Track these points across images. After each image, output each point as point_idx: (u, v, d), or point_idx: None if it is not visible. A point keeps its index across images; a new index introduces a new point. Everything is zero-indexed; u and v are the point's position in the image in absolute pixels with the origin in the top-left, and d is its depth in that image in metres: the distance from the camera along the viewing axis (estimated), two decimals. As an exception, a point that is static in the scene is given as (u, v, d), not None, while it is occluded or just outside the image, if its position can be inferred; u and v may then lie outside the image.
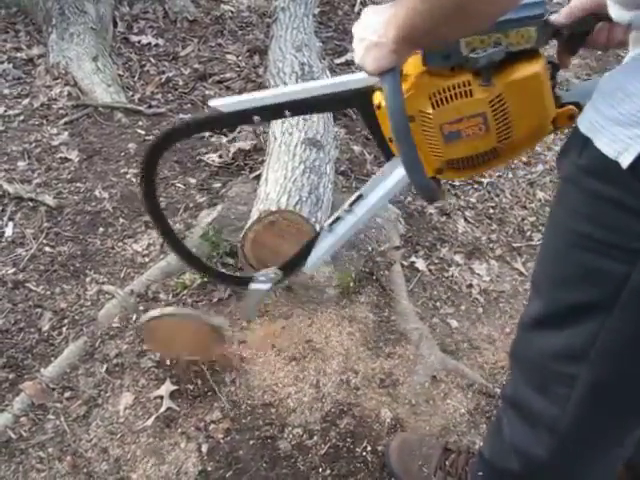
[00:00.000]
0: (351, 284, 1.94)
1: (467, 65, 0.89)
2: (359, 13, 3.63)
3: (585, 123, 0.83)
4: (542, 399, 1.01)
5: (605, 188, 0.82)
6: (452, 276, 2.08)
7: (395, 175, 1.06)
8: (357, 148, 2.48)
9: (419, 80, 0.93)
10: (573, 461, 1.03)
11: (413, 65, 0.93)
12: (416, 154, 0.87)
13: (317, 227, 1.70)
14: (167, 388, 1.69)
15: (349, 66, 3.08)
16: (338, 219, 1.15)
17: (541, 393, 1.01)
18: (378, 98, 0.99)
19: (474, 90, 0.90)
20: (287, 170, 1.81)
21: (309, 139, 1.93)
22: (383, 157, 1.08)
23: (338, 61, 3.10)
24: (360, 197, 1.11)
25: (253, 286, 1.33)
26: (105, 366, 1.79)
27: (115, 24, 3.33)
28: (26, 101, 2.80)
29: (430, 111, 0.92)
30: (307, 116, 2.07)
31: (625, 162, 0.77)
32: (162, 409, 1.65)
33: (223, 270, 1.34)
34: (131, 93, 2.89)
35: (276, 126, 2.12)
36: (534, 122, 0.94)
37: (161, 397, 1.68)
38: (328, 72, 2.60)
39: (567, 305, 0.92)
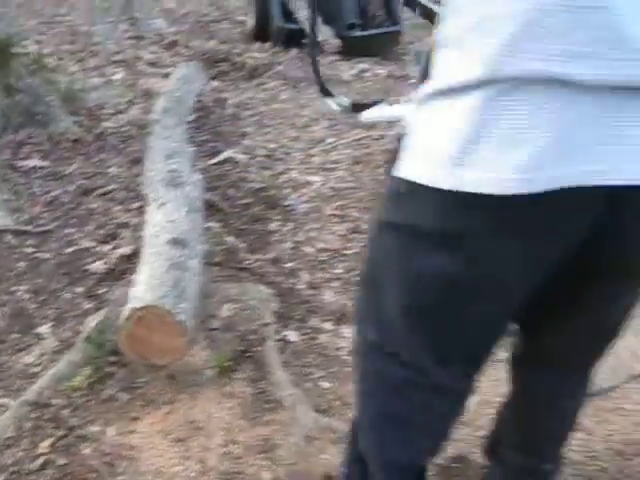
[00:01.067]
0: (228, 363, 2.13)
1: None
2: (231, 115, 3.97)
3: None
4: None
5: None
6: (322, 343, 2.30)
7: None
8: (230, 239, 2.73)
9: None
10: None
11: None
12: None
13: (182, 317, 1.90)
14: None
15: (223, 164, 3.37)
16: None
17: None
18: None
19: None
20: (153, 269, 2.02)
21: (174, 238, 2.15)
22: None
23: (212, 162, 3.38)
24: None
25: (329, 100, 1.71)
26: (2, 476, 1.90)
27: (1, 152, 3.53)
28: None
29: None
30: (172, 218, 2.31)
31: None
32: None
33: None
34: (18, 215, 3.07)
35: (147, 231, 2.34)
36: None
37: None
38: (199, 174, 2.86)
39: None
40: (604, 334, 1.30)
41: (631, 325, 2.66)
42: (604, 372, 2.30)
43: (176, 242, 2.14)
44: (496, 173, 0.93)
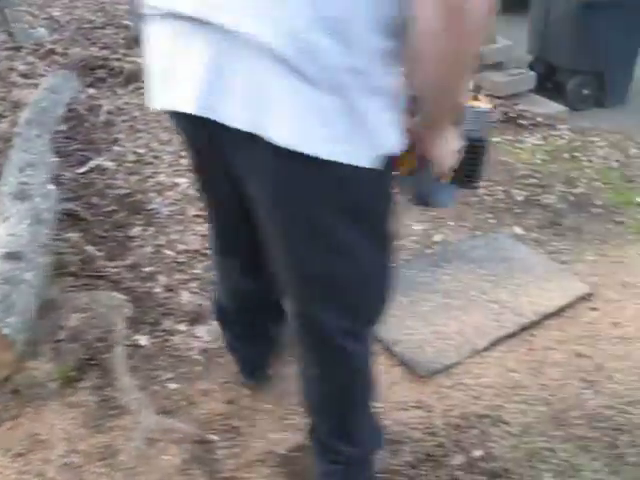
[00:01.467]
0: (72, 373, 2.13)
1: None
2: (104, 122, 3.92)
3: None
4: None
5: None
6: (174, 344, 2.31)
7: None
8: (89, 248, 2.71)
9: None
10: None
11: None
12: None
13: (7, 331, 1.89)
14: None
15: (91, 173, 3.33)
16: None
17: None
18: None
19: None
20: (-18, 285, 2.00)
21: (9, 253, 2.13)
22: None
23: (79, 171, 3.33)
24: None
25: None
26: None
27: None
28: None
29: None
30: (13, 232, 2.28)
31: None
32: None
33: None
34: None
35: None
36: None
37: None
38: (53, 185, 2.83)
39: None
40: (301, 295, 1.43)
41: (478, 302, 2.77)
42: (448, 350, 2.41)
43: (10, 256, 2.11)
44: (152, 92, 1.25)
